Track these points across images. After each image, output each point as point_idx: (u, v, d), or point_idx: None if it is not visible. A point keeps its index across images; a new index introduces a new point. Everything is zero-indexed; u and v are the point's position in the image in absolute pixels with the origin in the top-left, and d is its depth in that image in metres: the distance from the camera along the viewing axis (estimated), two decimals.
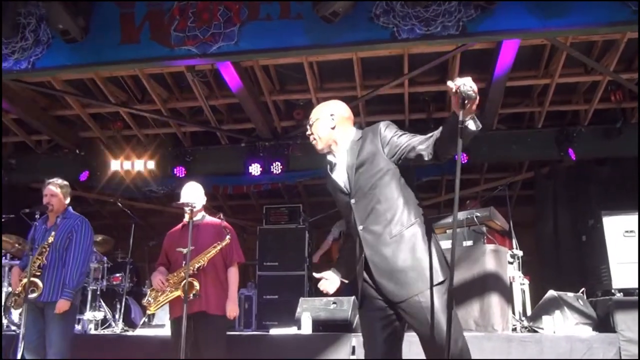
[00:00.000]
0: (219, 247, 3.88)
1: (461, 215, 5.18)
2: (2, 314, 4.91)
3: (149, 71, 6.22)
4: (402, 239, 2.40)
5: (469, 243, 5.18)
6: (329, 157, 2.69)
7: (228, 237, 3.91)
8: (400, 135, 2.48)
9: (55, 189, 4.23)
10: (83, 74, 6.05)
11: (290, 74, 6.44)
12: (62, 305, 3.96)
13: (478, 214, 5.22)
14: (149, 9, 4.64)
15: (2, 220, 5.81)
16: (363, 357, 2.57)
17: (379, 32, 4.30)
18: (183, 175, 7.08)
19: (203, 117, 7.06)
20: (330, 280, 2.76)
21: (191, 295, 3.69)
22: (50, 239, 4.06)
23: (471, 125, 2.17)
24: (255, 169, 6.98)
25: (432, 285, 2.33)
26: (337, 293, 2.92)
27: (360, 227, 2.49)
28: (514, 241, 5.50)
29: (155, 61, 4.80)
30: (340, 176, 2.62)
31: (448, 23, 4.22)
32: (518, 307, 5.14)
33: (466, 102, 2.11)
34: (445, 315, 2.25)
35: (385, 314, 2.46)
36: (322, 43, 4.41)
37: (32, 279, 3.95)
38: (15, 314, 5.80)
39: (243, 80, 5.91)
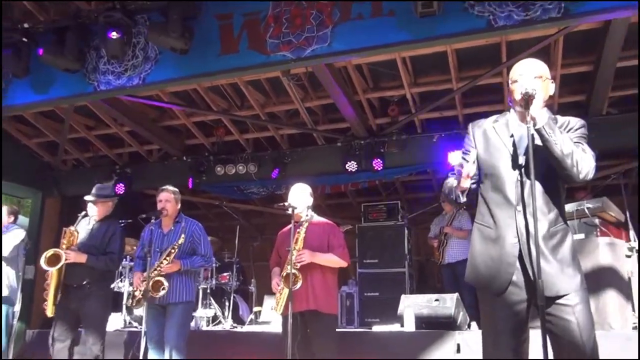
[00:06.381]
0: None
1: (570, 207, 4.91)
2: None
3: (247, 78, 6.45)
4: None
5: (580, 236, 4.90)
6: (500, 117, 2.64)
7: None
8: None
9: (169, 194, 4.55)
10: (187, 86, 6.40)
11: (384, 70, 6.41)
12: (175, 265, 4.33)
13: (589, 205, 4.93)
14: (246, 19, 4.81)
15: (122, 224, 6.30)
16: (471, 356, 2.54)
17: (475, 22, 4.13)
18: (281, 176, 7.27)
19: (299, 119, 7.22)
20: None
21: (297, 285, 3.76)
22: (181, 240, 4.37)
23: (538, 122, 2.34)
24: (351, 167, 7.03)
25: None
26: None
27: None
28: (632, 233, 5.12)
29: (253, 69, 4.93)
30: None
31: (549, 6, 3.97)
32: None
33: (529, 102, 2.34)
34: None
35: None
36: (416, 38, 4.33)
37: (159, 278, 4.27)
38: (137, 312, 6.29)
39: (337, 81, 5.98)
